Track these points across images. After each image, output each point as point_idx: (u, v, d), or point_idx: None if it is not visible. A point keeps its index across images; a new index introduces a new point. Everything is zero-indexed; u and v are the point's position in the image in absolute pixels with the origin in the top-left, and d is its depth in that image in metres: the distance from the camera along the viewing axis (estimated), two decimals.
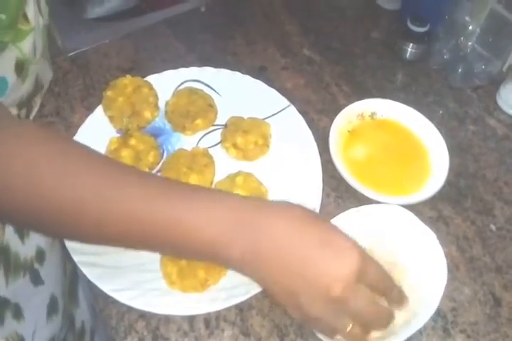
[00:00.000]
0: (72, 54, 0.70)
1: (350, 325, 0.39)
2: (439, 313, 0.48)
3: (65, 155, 0.38)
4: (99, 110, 0.61)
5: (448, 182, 0.56)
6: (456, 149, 0.60)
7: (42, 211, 0.37)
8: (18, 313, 0.51)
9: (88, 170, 0.38)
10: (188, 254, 0.43)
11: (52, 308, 0.57)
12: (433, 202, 0.56)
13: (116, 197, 0.38)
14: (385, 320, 0.41)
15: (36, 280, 0.55)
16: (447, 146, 0.58)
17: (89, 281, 0.48)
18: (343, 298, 0.37)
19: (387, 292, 0.41)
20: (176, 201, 0.38)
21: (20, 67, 0.52)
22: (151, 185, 0.39)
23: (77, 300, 0.67)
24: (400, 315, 0.46)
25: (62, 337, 0.60)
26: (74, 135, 0.58)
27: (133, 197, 0.38)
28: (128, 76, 0.62)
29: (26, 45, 0.52)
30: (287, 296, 0.38)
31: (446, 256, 0.48)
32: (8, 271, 0.50)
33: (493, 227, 0.55)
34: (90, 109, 0.61)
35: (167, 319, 0.49)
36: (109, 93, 0.61)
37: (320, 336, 0.45)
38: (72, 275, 0.66)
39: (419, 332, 0.46)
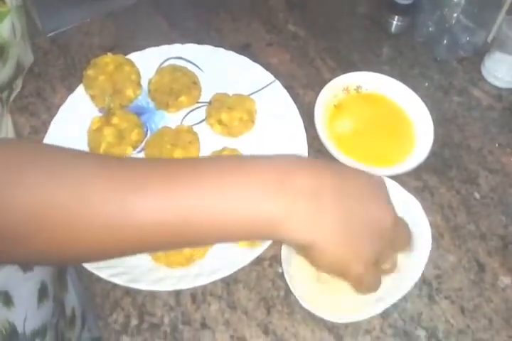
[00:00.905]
0: (51, 34, 0.69)
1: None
2: (424, 281, 0.49)
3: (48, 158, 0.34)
4: (80, 89, 0.60)
5: (433, 153, 0.56)
6: (440, 120, 0.60)
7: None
8: (8, 301, 0.51)
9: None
10: (239, 238, 0.39)
11: (42, 294, 0.57)
12: (418, 172, 0.56)
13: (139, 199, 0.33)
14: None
15: (25, 266, 0.55)
16: (432, 117, 0.57)
17: None
18: (393, 223, 0.37)
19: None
20: (196, 189, 0.34)
21: (1, 51, 0.51)
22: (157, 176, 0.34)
23: (66, 286, 0.67)
24: (385, 283, 0.47)
25: (55, 323, 0.60)
26: (54, 115, 0.58)
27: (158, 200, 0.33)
28: (109, 54, 0.61)
29: (5, 28, 0.51)
30: (344, 246, 0.36)
31: (431, 225, 0.48)
32: None
33: (477, 196, 0.55)
34: (71, 89, 0.61)
35: (153, 295, 0.49)
36: (89, 72, 0.60)
37: (306, 306, 0.45)
38: None
39: (405, 299, 0.46)
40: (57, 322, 0.61)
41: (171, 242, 0.35)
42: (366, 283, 0.39)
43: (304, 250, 0.37)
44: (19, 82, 0.62)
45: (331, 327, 0.47)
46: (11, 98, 0.61)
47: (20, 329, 0.52)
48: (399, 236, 0.39)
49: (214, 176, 0.35)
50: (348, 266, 0.36)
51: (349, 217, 0.36)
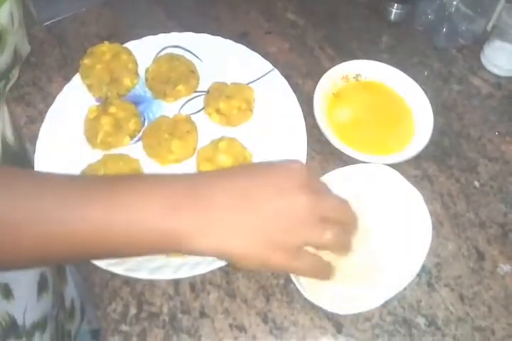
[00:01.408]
0: (47, 23, 0.68)
1: (331, 230, 0.38)
2: (423, 269, 0.48)
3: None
4: (77, 79, 0.60)
5: (432, 141, 0.56)
6: (440, 108, 0.59)
7: None
8: (7, 293, 0.51)
9: None
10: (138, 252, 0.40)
11: (42, 286, 0.57)
12: (417, 161, 0.56)
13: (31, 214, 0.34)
14: (351, 215, 0.41)
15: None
16: (431, 106, 0.57)
17: None
18: (309, 202, 0.37)
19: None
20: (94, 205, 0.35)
21: None
22: (69, 192, 0.36)
23: (65, 277, 0.67)
24: (385, 272, 0.47)
25: (55, 315, 0.60)
26: (51, 105, 0.57)
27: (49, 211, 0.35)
28: (106, 42, 0.60)
29: (3, 15, 0.50)
30: (258, 244, 0.37)
31: (430, 214, 0.48)
32: None
33: (476, 184, 0.55)
34: (68, 79, 0.60)
35: (152, 284, 0.49)
36: (86, 61, 0.60)
37: (306, 295, 0.45)
38: None
39: (404, 287, 0.46)
40: (57, 314, 0.61)
41: (80, 253, 0.37)
42: (305, 269, 0.40)
43: (224, 258, 0.39)
44: (16, 72, 0.61)
45: (331, 316, 0.47)
46: (7, 88, 0.60)
47: (20, 321, 0.52)
48: (332, 211, 0.39)
49: (126, 193, 0.36)
50: (268, 260, 0.37)
51: (257, 216, 0.37)
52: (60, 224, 0.34)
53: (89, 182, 0.38)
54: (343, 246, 0.41)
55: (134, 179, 0.41)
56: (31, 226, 0.34)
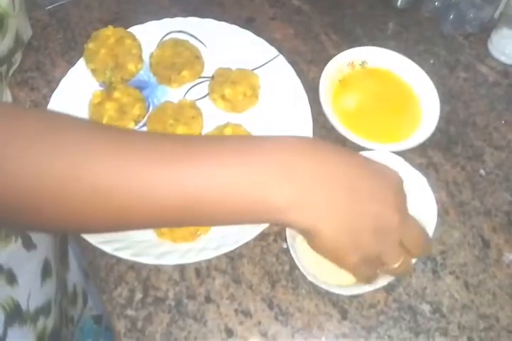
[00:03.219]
0: (50, 7, 0.67)
1: (404, 260, 0.39)
2: (428, 256, 0.49)
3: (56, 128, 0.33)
4: (81, 63, 0.59)
5: (438, 129, 0.55)
6: (446, 96, 0.59)
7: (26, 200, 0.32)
8: (11, 279, 0.51)
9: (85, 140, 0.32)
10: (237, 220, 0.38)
11: (46, 272, 0.57)
12: (423, 149, 0.56)
13: (133, 173, 0.32)
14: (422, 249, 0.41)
15: (28, 244, 0.55)
16: (438, 94, 0.57)
17: (77, 236, 0.47)
18: (400, 223, 0.37)
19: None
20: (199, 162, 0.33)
21: (0, 22, 0.50)
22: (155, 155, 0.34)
23: (67, 263, 0.67)
24: None
25: (59, 300, 0.60)
26: (55, 89, 0.57)
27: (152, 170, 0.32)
28: (110, 27, 0.60)
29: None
30: (344, 235, 0.36)
31: (436, 201, 0.48)
32: None
33: (482, 172, 0.55)
34: (72, 63, 0.59)
35: (157, 269, 0.49)
36: (90, 45, 0.59)
37: (310, 279, 0.45)
38: (61, 236, 0.65)
39: (409, 274, 0.46)
40: (61, 299, 0.61)
41: (174, 219, 0.35)
42: (360, 275, 0.40)
43: (306, 234, 0.37)
44: (18, 57, 0.60)
45: (336, 302, 0.47)
46: (10, 72, 0.60)
47: (24, 306, 0.52)
48: (410, 239, 0.39)
49: (227, 155, 0.35)
50: (344, 255, 0.37)
51: (354, 208, 0.36)
52: (153, 190, 0.32)
53: (174, 144, 0.35)
54: (401, 274, 0.42)
55: (236, 142, 0.38)
56: (124, 193, 0.32)
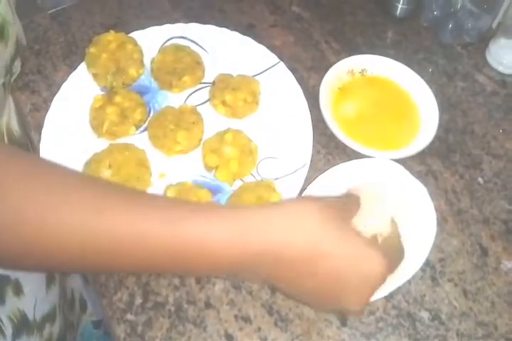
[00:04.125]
0: (51, 11, 0.67)
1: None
2: (427, 264, 0.49)
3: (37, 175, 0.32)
4: (82, 67, 0.59)
5: (437, 138, 0.56)
6: (445, 105, 0.60)
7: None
8: (18, 289, 0.50)
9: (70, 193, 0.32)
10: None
11: (50, 279, 0.57)
12: (422, 157, 0.56)
13: (104, 225, 0.32)
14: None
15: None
16: (437, 102, 0.57)
17: None
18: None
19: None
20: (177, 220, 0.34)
21: (1, 31, 0.50)
22: (139, 207, 0.34)
23: None
24: None
25: (62, 306, 0.60)
26: (56, 93, 0.57)
27: (122, 223, 0.32)
28: (112, 32, 0.60)
29: (2, 6, 0.50)
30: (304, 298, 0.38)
31: (434, 209, 0.48)
32: None
33: (480, 180, 0.55)
34: (73, 67, 0.60)
35: (157, 274, 0.49)
36: (92, 50, 0.59)
37: None
38: None
39: (408, 281, 0.46)
40: (63, 304, 0.60)
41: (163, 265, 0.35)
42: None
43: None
44: (18, 64, 0.60)
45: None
46: (12, 80, 0.59)
47: (30, 316, 0.51)
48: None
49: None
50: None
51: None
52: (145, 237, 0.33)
53: (166, 201, 0.37)
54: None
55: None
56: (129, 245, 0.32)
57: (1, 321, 0.47)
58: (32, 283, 0.52)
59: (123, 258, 0.33)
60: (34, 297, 0.52)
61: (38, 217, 0.31)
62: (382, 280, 0.37)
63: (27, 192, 0.31)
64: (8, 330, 0.48)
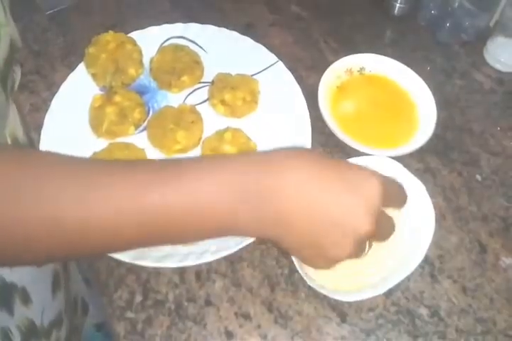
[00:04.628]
0: (50, 12, 0.67)
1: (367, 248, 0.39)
2: (426, 260, 0.49)
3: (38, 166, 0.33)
4: (81, 68, 0.60)
5: (435, 135, 0.56)
6: (443, 103, 0.60)
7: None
8: (26, 298, 0.50)
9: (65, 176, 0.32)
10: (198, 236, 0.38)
11: (56, 285, 0.56)
12: (420, 154, 0.56)
13: (100, 198, 0.32)
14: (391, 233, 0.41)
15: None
16: (435, 100, 0.58)
17: None
18: (372, 231, 0.35)
19: (401, 203, 0.41)
20: (165, 186, 0.33)
21: None
22: (137, 175, 0.34)
23: (69, 270, 0.67)
24: (389, 262, 0.47)
25: (67, 310, 0.60)
26: (55, 93, 0.57)
27: (119, 194, 0.32)
28: (111, 32, 0.60)
29: None
30: (310, 249, 0.36)
31: (433, 206, 0.49)
32: None
33: (479, 178, 0.55)
34: (72, 68, 0.60)
35: (157, 272, 0.49)
36: (91, 50, 0.59)
37: (310, 283, 0.45)
38: None
39: (407, 278, 0.47)
40: (68, 310, 0.60)
41: (130, 240, 0.35)
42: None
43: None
44: (18, 71, 0.60)
45: (335, 305, 0.48)
46: (15, 88, 0.59)
47: (38, 323, 0.51)
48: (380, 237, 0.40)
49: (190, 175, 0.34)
50: (311, 264, 0.39)
51: (317, 220, 0.35)
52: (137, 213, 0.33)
53: (146, 166, 0.36)
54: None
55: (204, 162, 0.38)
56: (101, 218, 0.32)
57: (10, 331, 0.47)
58: (39, 289, 0.52)
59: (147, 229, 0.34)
60: (42, 305, 0.52)
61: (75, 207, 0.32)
62: (381, 200, 0.36)
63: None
64: (17, 339, 0.48)
